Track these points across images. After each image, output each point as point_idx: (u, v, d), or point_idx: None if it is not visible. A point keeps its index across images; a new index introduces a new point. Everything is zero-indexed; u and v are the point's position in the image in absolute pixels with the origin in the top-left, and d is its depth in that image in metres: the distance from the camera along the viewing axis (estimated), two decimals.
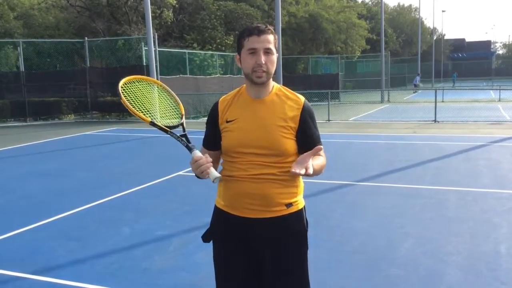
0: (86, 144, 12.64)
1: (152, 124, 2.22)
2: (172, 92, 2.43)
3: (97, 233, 5.17)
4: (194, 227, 5.19)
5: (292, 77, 30.56)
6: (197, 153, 2.08)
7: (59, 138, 13.76)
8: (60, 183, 7.73)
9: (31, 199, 6.73)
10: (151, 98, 2.40)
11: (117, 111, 19.51)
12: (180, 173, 8.10)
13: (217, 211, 2.29)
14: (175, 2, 26.27)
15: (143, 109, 2.30)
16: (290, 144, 2.13)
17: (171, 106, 2.38)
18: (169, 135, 2.23)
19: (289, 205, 2.17)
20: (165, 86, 2.44)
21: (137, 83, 2.37)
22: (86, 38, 20.46)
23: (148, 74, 17.98)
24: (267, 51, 2.08)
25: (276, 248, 2.18)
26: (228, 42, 28.01)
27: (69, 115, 20.14)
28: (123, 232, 5.18)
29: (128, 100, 2.26)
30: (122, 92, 2.25)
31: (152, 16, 19.06)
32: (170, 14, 26.58)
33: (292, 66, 35.06)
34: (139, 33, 23.92)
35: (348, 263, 4.20)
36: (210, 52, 24.60)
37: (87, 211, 6.02)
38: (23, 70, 19.26)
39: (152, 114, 2.32)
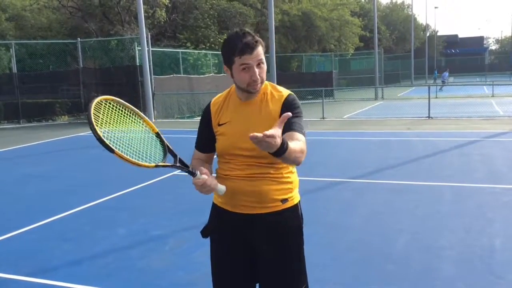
0: (80, 145, 12.59)
1: (157, 167, 2.06)
2: (131, 106, 2.12)
3: (93, 233, 5.16)
4: (190, 226, 5.19)
5: (286, 75, 30.57)
6: (201, 176, 2.04)
7: (53, 139, 13.70)
8: (54, 185, 7.70)
9: (25, 201, 6.71)
10: (126, 126, 2.05)
11: None
12: (175, 173, 8.08)
13: (215, 208, 2.31)
14: (167, 1, 26.19)
15: (135, 151, 2.03)
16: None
17: (145, 130, 2.16)
18: (173, 169, 2.09)
19: (284, 200, 2.19)
20: (120, 100, 2.05)
21: (105, 111, 2.00)
22: (79, 39, 20.34)
23: (142, 74, 17.94)
24: (259, 62, 2.08)
25: (272, 243, 2.19)
26: (222, 41, 27.89)
27: (63, 117, 20.02)
28: (119, 232, 5.17)
29: (117, 146, 1.96)
30: (104, 137, 1.90)
31: (144, 16, 19.01)
32: (163, 14, 26.50)
33: (286, 64, 35.11)
34: (132, 33, 23.83)
35: (343, 260, 4.21)
36: (203, 51, 24.57)
37: (82, 212, 6.00)
38: (16, 71, 19.11)
39: (143, 152, 2.05)
